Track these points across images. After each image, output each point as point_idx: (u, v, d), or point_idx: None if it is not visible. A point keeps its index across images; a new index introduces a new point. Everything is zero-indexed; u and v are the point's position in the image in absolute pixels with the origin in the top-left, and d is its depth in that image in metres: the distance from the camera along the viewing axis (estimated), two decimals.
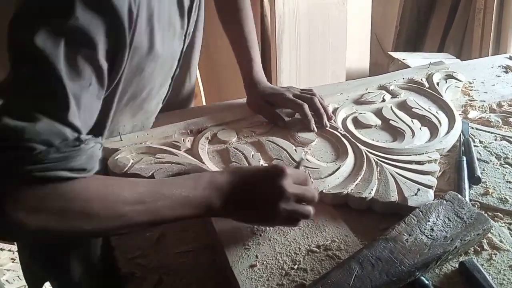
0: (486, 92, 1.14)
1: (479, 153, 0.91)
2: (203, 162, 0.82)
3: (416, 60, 2.24)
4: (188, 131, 0.91)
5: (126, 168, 0.78)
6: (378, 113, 1.01)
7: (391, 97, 1.07)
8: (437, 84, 1.10)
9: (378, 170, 0.82)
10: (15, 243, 1.57)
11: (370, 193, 0.77)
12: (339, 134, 0.92)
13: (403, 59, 2.29)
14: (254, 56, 1.06)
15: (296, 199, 0.66)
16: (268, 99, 1.00)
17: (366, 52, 2.53)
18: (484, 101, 1.10)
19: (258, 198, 0.66)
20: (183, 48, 0.87)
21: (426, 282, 0.63)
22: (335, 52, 2.20)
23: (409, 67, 1.93)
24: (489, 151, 0.92)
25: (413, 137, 0.92)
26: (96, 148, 0.60)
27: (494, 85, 1.18)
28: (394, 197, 0.76)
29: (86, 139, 0.58)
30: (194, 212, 0.63)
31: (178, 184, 0.63)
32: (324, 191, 0.77)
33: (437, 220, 0.70)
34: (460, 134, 0.94)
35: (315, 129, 0.95)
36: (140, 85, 0.79)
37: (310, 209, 0.68)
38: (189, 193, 0.62)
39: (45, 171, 0.53)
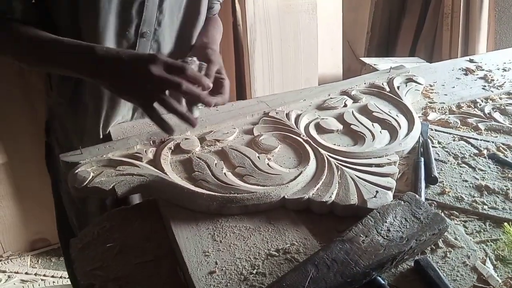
0: (446, 94, 1.18)
1: (437, 153, 0.94)
2: (166, 173, 0.82)
3: (387, 65, 2.28)
4: (151, 142, 0.92)
5: (86, 182, 0.78)
6: (340, 118, 1.03)
7: (353, 102, 1.09)
8: (398, 88, 1.13)
9: (339, 174, 0.84)
10: None
11: (330, 197, 0.78)
12: (301, 140, 0.94)
13: (374, 64, 2.33)
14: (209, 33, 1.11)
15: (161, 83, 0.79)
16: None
17: (339, 58, 2.56)
18: (444, 103, 1.13)
19: (127, 71, 0.82)
20: None
21: (382, 282, 0.65)
22: (307, 59, 2.23)
23: None
24: (447, 151, 0.94)
25: (373, 140, 0.94)
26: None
27: (454, 87, 1.22)
28: (354, 200, 0.78)
29: None
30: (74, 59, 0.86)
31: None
32: (286, 196, 0.79)
33: (394, 220, 0.72)
34: (419, 136, 0.97)
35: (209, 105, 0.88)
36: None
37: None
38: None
39: None
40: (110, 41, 0.96)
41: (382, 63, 2.38)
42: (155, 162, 0.86)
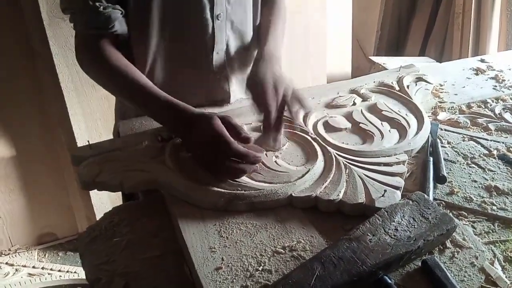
0: (456, 94, 1.17)
1: (447, 153, 0.93)
2: (173, 169, 0.83)
3: (396, 64, 2.26)
4: (159, 138, 0.92)
5: (95, 176, 0.79)
6: (349, 116, 1.02)
7: (362, 101, 1.09)
8: (407, 87, 1.12)
9: (347, 172, 0.84)
10: None
11: (338, 195, 0.78)
12: (309, 138, 0.94)
13: (384, 64, 2.31)
14: (271, 36, 1.08)
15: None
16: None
17: (348, 57, 2.55)
18: (454, 102, 1.12)
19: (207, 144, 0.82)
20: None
21: (389, 281, 0.64)
22: (316, 57, 2.23)
23: None
24: (456, 151, 0.94)
25: (382, 139, 0.93)
26: (115, 12, 0.91)
27: (464, 87, 1.20)
28: (362, 198, 0.77)
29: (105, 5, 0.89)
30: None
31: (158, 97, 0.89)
32: (293, 194, 0.78)
33: (402, 220, 0.71)
34: (429, 136, 0.96)
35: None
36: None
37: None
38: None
39: (77, 28, 0.94)
40: (191, 27, 1.02)
41: (391, 62, 2.36)
42: (163, 158, 0.86)
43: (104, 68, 0.94)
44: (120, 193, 0.98)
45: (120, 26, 0.94)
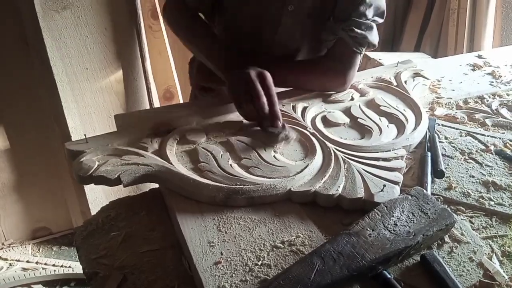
0: (454, 90, 1.17)
1: (444, 148, 0.93)
2: (171, 163, 0.82)
3: (392, 60, 2.26)
4: (157, 131, 0.91)
5: (92, 170, 0.78)
6: (347, 111, 1.02)
7: (360, 96, 1.08)
8: (405, 82, 1.12)
9: (346, 167, 0.84)
10: None
11: (337, 190, 0.78)
12: (308, 133, 0.93)
13: (379, 59, 2.31)
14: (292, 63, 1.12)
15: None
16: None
17: None
18: (451, 98, 1.13)
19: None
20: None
21: (388, 276, 0.65)
22: None
23: None
24: (454, 146, 0.94)
25: (380, 134, 0.93)
26: None
27: (461, 82, 1.21)
28: (360, 193, 0.77)
29: None
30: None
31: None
32: (292, 189, 0.78)
33: (401, 215, 0.71)
34: (427, 131, 0.96)
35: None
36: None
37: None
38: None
39: None
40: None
41: (387, 58, 2.36)
42: (161, 152, 0.86)
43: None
44: (115, 187, 0.97)
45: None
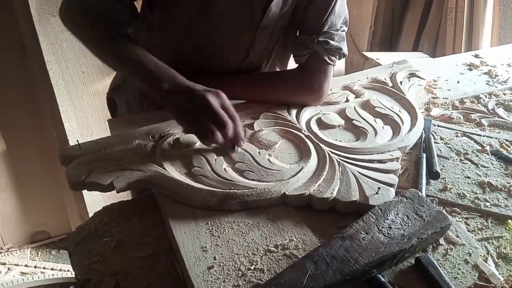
0: (450, 90, 1.16)
1: (440, 149, 0.92)
2: (165, 168, 0.82)
3: (390, 59, 2.26)
4: (150, 136, 0.91)
5: (84, 176, 0.77)
6: (342, 113, 1.02)
7: (355, 97, 1.08)
8: (400, 83, 1.12)
9: (341, 170, 0.83)
10: None
11: (332, 193, 0.77)
12: (302, 136, 0.93)
13: (377, 59, 2.30)
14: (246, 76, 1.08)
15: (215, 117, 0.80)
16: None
17: None
18: (447, 98, 1.12)
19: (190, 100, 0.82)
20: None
21: (383, 279, 0.64)
22: None
23: None
24: (449, 147, 0.93)
25: (375, 136, 0.93)
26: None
27: (458, 82, 1.20)
28: (355, 196, 0.77)
29: None
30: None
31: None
32: (287, 193, 0.78)
33: (396, 218, 0.71)
34: (422, 132, 0.96)
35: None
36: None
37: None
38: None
39: None
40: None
41: (385, 57, 2.36)
42: (154, 157, 0.85)
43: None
44: (113, 192, 0.97)
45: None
